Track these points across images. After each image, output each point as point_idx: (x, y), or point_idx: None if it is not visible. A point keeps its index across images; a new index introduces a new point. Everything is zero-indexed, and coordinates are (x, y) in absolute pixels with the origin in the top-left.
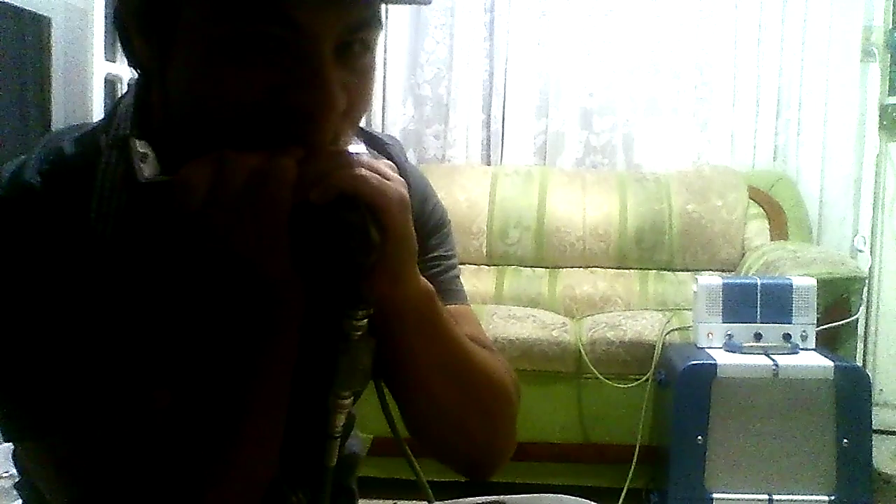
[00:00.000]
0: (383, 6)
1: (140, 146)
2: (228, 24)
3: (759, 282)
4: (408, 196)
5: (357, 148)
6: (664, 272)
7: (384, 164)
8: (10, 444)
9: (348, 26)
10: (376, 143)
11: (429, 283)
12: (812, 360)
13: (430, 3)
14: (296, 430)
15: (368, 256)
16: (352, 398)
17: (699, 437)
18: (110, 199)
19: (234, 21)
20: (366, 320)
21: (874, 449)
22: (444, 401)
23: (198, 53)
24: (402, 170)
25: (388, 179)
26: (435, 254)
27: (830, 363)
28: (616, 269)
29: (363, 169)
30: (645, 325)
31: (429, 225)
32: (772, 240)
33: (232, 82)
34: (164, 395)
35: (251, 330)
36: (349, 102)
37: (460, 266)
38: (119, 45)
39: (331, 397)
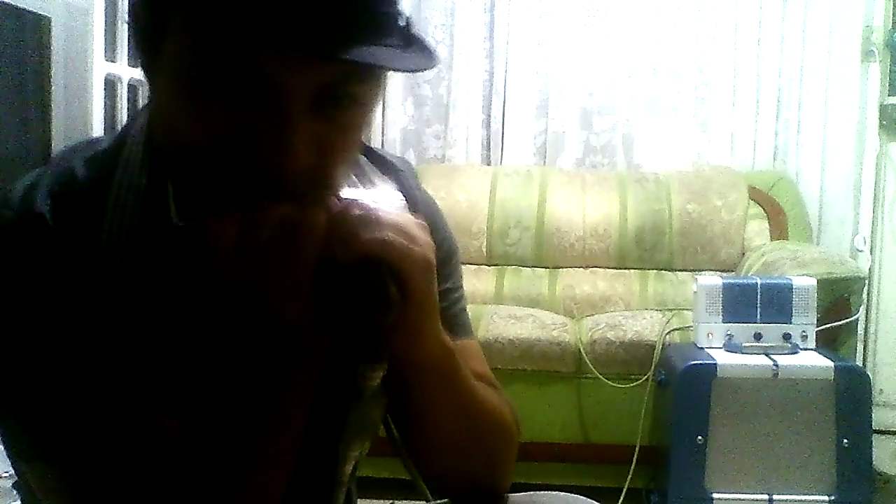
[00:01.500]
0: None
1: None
2: (201, 63)
3: (759, 282)
4: (433, 259)
5: (376, 195)
6: (664, 272)
7: (414, 224)
8: (18, 464)
9: (328, 83)
10: (387, 168)
11: (449, 340)
12: (812, 360)
13: (434, 66)
14: (301, 476)
15: (387, 317)
16: (360, 451)
17: (699, 437)
18: (122, 229)
19: (207, 62)
20: (379, 378)
21: (874, 449)
22: (453, 443)
23: (172, 84)
24: (411, 198)
25: (415, 241)
26: (442, 287)
27: (830, 363)
28: (616, 269)
29: (390, 232)
30: (645, 325)
31: (437, 257)
32: (772, 240)
33: (199, 121)
34: (172, 423)
35: (267, 375)
36: (325, 156)
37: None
38: (125, 46)
39: (340, 448)
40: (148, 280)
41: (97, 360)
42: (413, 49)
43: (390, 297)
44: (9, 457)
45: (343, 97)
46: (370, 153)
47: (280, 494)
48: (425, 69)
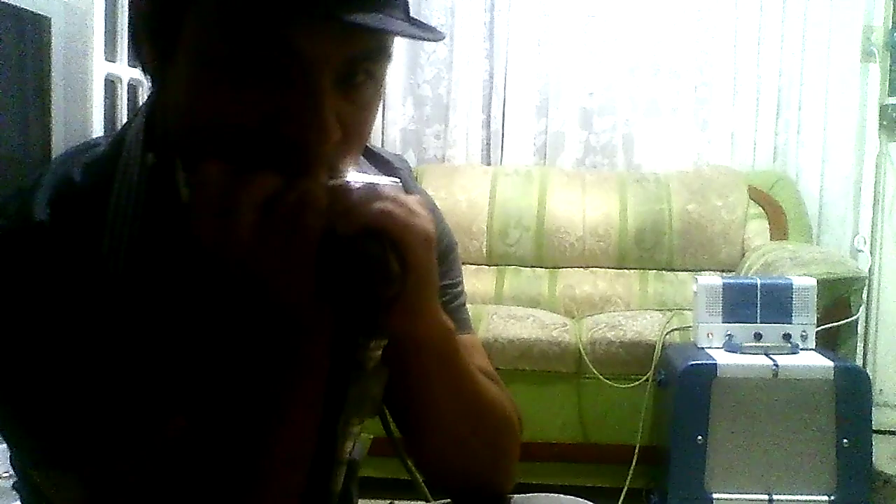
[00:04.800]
0: (393, 39)
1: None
2: (227, 44)
3: (759, 282)
4: (433, 233)
5: (382, 179)
6: (664, 272)
7: (413, 200)
8: (32, 473)
9: (351, 57)
10: (384, 165)
11: (449, 321)
12: (812, 360)
13: (442, 38)
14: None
15: (388, 288)
16: (360, 426)
17: (699, 437)
18: (122, 231)
19: (233, 42)
20: (379, 351)
21: (874, 449)
22: (453, 433)
23: (195, 69)
24: (408, 191)
25: (414, 213)
26: (442, 283)
27: (830, 363)
28: (616, 269)
29: (389, 204)
30: (645, 325)
31: (436, 252)
32: (772, 240)
33: (226, 103)
34: (180, 422)
35: (277, 357)
36: (346, 134)
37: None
38: (125, 46)
39: (339, 424)
40: (154, 277)
41: (105, 363)
42: (415, 23)
43: (391, 268)
44: (21, 467)
45: (360, 74)
46: (367, 151)
47: (304, 477)
48: (440, 39)
